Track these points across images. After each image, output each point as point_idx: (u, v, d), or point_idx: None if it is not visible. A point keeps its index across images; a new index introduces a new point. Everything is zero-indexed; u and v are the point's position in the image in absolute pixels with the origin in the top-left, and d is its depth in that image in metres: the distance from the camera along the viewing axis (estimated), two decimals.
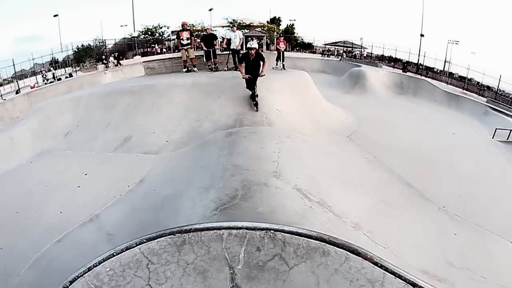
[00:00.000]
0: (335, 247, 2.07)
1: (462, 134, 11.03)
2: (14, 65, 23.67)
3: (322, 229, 3.27)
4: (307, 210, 3.50)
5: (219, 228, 2.17)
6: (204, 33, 11.92)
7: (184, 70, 10.94)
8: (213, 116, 7.05)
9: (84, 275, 2.04)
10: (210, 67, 10.77)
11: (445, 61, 30.13)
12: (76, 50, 31.21)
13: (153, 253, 2.11)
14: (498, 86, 22.60)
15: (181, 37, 10.81)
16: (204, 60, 10.91)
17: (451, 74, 28.85)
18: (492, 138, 11.19)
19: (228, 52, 10.89)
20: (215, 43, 10.79)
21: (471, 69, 25.59)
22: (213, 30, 23.81)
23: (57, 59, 30.16)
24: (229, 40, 10.60)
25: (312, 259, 2.02)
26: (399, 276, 1.93)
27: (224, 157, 4.99)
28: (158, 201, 4.65)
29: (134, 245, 2.18)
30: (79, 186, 5.67)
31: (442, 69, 30.01)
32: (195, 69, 10.97)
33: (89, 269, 2.07)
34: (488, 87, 24.84)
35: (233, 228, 2.17)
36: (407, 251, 3.93)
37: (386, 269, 1.96)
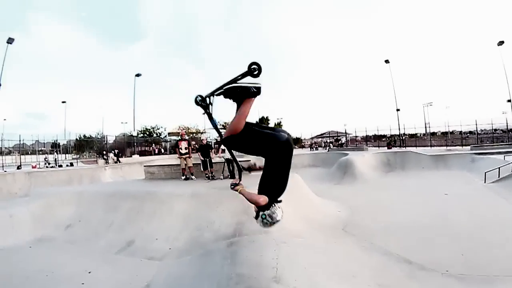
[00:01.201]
0: None
1: (454, 190, 11.36)
2: (20, 141, 24.94)
3: None
4: None
5: None
6: (201, 143, 12.99)
7: (183, 177, 11.67)
8: (213, 226, 7.45)
9: None
10: (207, 175, 11.53)
11: (425, 124, 32.06)
12: (78, 139, 32.82)
13: None
14: (476, 130, 23.86)
15: (180, 147, 11.72)
16: (202, 169, 11.71)
17: (433, 133, 30.50)
18: (484, 182, 11.60)
19: (223, 161, 11.74)
20: (210, 152, 11.71)
21: (450, 122, 27.39)
22: (208, 138, 25.63)
23: (59, 143, 31.28)
24: (224, 150, 11.61)
25: None
26: None
27: (227, 266, 5.29)
28: None
29: None
30: (83, 283, 5.59)
31: (424, 132, 31.77)
32: (193, 177, 11.70)
33: None
34: (470, 132, 26.15)
35: None
36: None
37: None
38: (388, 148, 25.65)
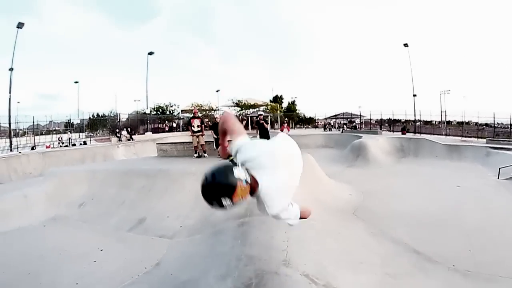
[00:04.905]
0: None
1: (467, 184, 11.15)
2: (33, 122, 25.74)
3: None
4: None
5: None
6: (214, 121, 12.99)
7: (195, 155, 11.72)
8: None
9: None
10: (219, 154, 11.61)
11: (441, 112, 31.25)
12: (91, 117, 33.54)
13: None
14: (494, 123, 23.18)
15: (192, 124, 11.69)
16: (214, 147, 11.75)
17: (449, 122, 29.82)
18: (498, 178, 11.31)
19: None
20: None
21: (466, 113, 26.58)
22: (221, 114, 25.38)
23: (73, 122, 32.34)
24: None
25: None
26: None
27: (237, 247, 5.38)
28: (177, 285, 4.79)
29: None
30: (95, 261, 5.74)
31: (439, 120, 31.07)
32: (205, 155, 11.76)
33: None
34: (486, 124, 25.42)
35: None
36: None
37: None
38: (403, 134, 25.22)
